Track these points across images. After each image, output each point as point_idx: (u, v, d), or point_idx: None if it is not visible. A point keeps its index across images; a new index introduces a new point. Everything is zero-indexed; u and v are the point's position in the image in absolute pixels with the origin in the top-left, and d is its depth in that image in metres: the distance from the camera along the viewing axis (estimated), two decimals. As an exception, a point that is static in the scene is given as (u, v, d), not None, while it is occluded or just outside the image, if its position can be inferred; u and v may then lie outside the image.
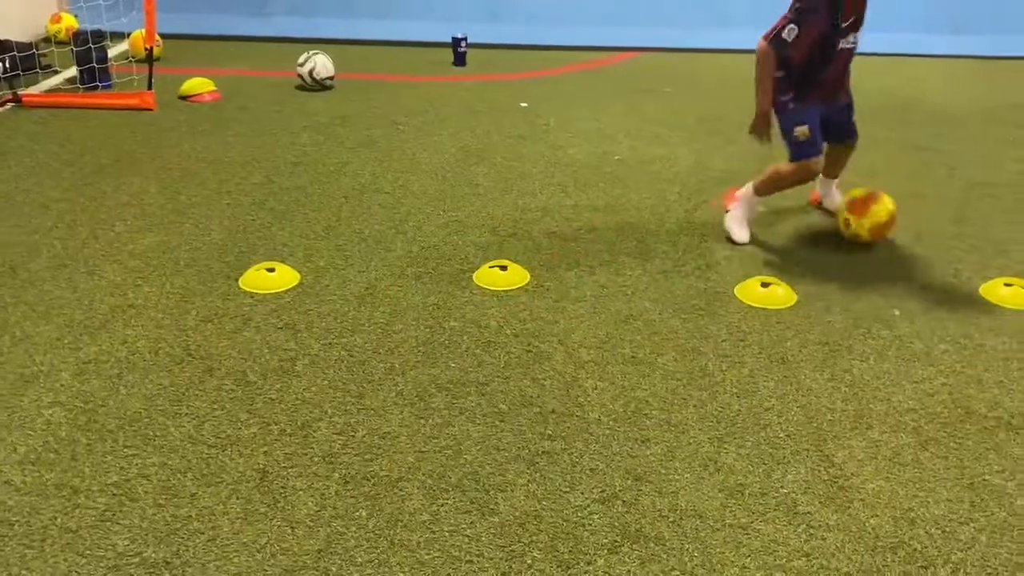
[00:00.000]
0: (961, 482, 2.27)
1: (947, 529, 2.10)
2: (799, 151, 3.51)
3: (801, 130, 3.46)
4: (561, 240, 3.71)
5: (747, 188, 3.70)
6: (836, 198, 3.89)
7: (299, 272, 3.35)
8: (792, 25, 3.32)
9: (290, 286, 3.25)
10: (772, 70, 3.43)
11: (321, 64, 6.05)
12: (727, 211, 3.76)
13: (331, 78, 6.10)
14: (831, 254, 3.60)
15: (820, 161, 3.56)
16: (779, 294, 3.21)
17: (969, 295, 3.26)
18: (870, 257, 3.56)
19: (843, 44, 3.44)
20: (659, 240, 3.71)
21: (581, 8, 7.56)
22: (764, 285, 3.23)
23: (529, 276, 3.35)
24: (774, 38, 3.36)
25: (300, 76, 6.04)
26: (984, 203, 4.12)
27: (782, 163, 3.60)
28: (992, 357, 2.84)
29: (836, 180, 3.94)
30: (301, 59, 6.04)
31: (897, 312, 3.12)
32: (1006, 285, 3.24)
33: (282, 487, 2.22)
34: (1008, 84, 6.41)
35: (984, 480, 2.28)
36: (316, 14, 7.61)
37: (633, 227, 3.83)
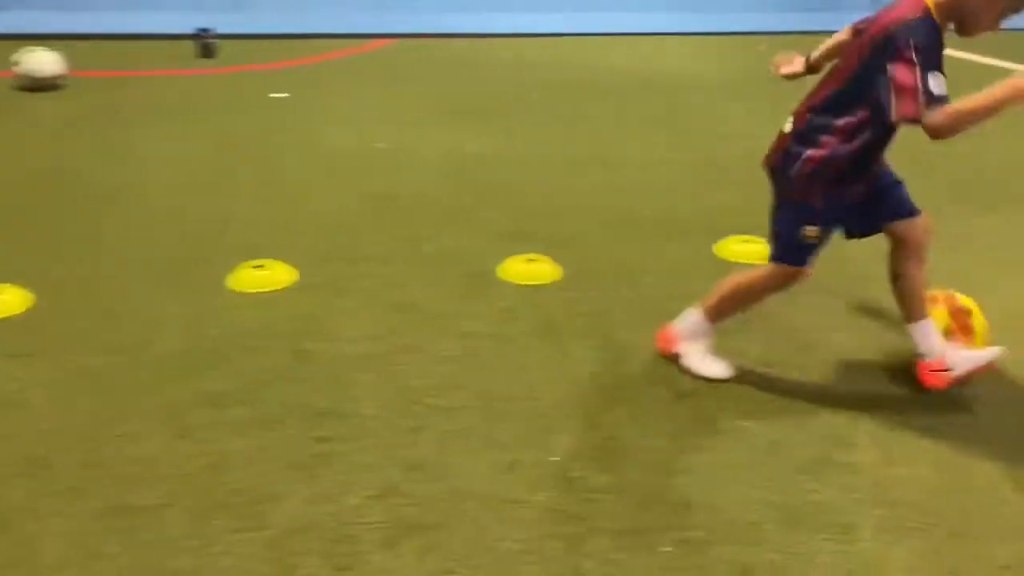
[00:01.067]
0: (714, 429, 2.44)
1: (704, 476, 2.25)
2: (798, 254, 2.53)
3: (812, 230, 2.49)
4: (328, 233, 3.60)
5: (694, 318, 2.70)
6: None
7: (32, 293, 3.01)
8: (933, 71, 2.20)
9: (20, 310, 2.91)
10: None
11: (42, 62, 5.48)
12: (675, 355, 2.74)
13: (59, 76, 5.55)
14: (599, 232, 3.75)
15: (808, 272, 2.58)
16: (545, 269, 3.30)
17: (708, 255, 3.52)
18: (630, 232, 3.74)
19: None
20: (425, 226, 3.70)
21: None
22: (530, 261, 3.31)
23: (297, 274, 3.23)
24: (933, 100, 2.17)
25: (19, 76, 5.44)
26: (718, 170, 4.46)
27: (739, 273, 2.67)
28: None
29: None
30: (15, 58, 5.45)
31: (650, 278, 3.30)
32: (743, 242, 3.52)
33: (22, 533, 1.98)
34: (721, 56, 6.99)
35: (734, 424, 2.47)
36: (37, 6, 6.90)
37: (400, 215, 3.80)
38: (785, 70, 2.85)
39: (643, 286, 3.24)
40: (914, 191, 2.60)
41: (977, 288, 2.92)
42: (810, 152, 2.42)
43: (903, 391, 2.64)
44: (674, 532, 2.06)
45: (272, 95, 5.50)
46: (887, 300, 2.75)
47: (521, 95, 5.66)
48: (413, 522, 2.06)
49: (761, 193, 4.05)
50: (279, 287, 3.14)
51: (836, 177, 2.42)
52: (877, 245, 2.68)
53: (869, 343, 2.90)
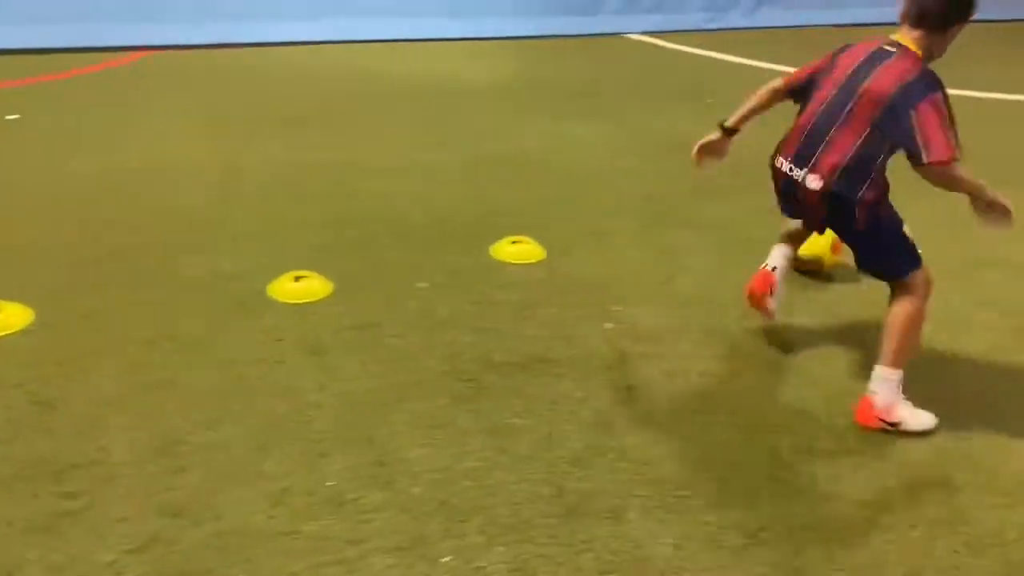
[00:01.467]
0: (489, 430, 2.47)
1: (480, 479, 2.27)
2: (916, 254, 2.59)
3: (906, 227, 2.60)
4: (70, 266, 3.30)
5: (888, 376, 2.53)
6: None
7: None
8: (952, 128, 2.41)
9: None
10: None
11: None
12: (893, 425, 2.54)
13: None
14: (372, 242, 3.68)
15: None
16: (314, 286, 3.20)
17: (486, 257, 3.56)
18: (402, 241, 3.71)
19: None
20: (185, 248, 3.48)
21: (65, 4, 6.77)
22: (297, 279, 3.20)
23: (33, 315, 2.93)
24: (958, 148, 2.39)
25: None
26: (493, 171, 4.53)
27: (903, 301, 2.56)
28: (506, 309, 3.14)
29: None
30: None
31: (424, 284, 3.29)
32: (513, 243, 3.60)
33: None
34: (499, 61, 7.15)
35: (507, 423, 2.50)
36: None
37: (153, 239, 3.55)
38: (702, 157, 3.04)
39: (418, 294, 3.22)
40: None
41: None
42: (860, 195, 2.51)
43: (658, 374, 2.79)
44: (452, 540, 2.06)
45: (6, 117, 4.99)
46: (640, 301, 2.90)
47: (289, 105, 5.48)
48: (178, 572, 1.92)
49: (532, 193, 4.21)
50: (12, 330, 2.83)
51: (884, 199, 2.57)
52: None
53: (624, 334, 3.04)
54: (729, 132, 2.97)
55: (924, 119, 2.38)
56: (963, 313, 3.25)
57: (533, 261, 3.52)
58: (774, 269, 2.96)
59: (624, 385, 2.71)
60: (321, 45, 7.04)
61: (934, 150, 2.37)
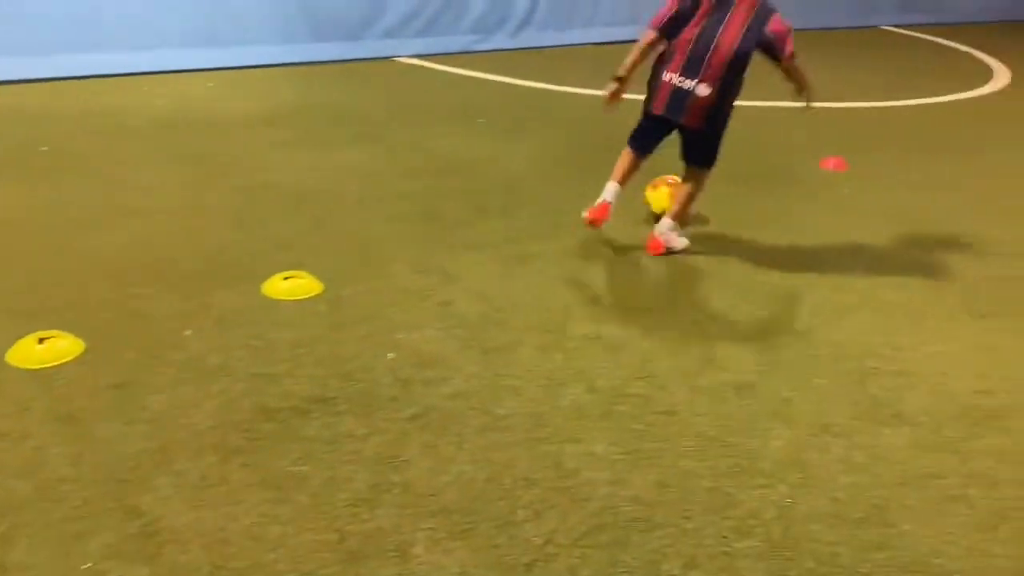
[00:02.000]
0: (266, 482, 2.34)
1: (257, 535, 2.15)
2: None
3: None
4: None
5: (671, 225, 3.96)
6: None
7: None
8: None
9: None
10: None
11: None
12: (668, 250, 3.96)
13: None
14: (128, 291, 3.40)
15: None
16: (62, 347, 2.91)
17: (256, 296, 3.40)
18: (164, 286, 3.46)
19: None
20: (-97, 320, 3.06)
21: None
22: (41, 341, 2.90)
23: None
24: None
25: None
26: (257, 204, 4.35)
27: (696, 182, 3.94)
28: (281, 350, 3.00)
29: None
30: None
31: (189, 332, 3.09)
32: (285, 279, 3.47)
33: None
34: (260, 90, 6.92)
35: (286, 472, 2.39)
36: None
37: None
38: (613, 100, 3.77)
39: (183, 343, 3.02)
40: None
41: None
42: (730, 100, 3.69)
43: (442, 399, 2.78)
44: (229, 607, 1.92)
45: None
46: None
47: (29, 147, 5.00)
48: None
49: (304, 225, 4.08)
50: None
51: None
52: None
53: (407, 362, 3.01)
54: (621, 79, 3.75)
55: (779, 31, 3.55)
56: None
57: (309, 296, 3.40)
58: (610, 202, 3.92)
59: (408, 415, 2.68)
60: (60, 82, 6.48)
61: (787, 51, 3.57)
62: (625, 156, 3.97)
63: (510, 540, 2.18)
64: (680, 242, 3.99)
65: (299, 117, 6.05)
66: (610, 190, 3.93)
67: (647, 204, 4.37)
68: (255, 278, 3.51)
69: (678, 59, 3.61)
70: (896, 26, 12.12)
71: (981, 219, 4.68)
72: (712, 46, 3.53)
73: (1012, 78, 8.84)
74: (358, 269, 3.66)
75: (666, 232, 3.95)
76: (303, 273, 3.54)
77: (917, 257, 4.14)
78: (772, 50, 3.58)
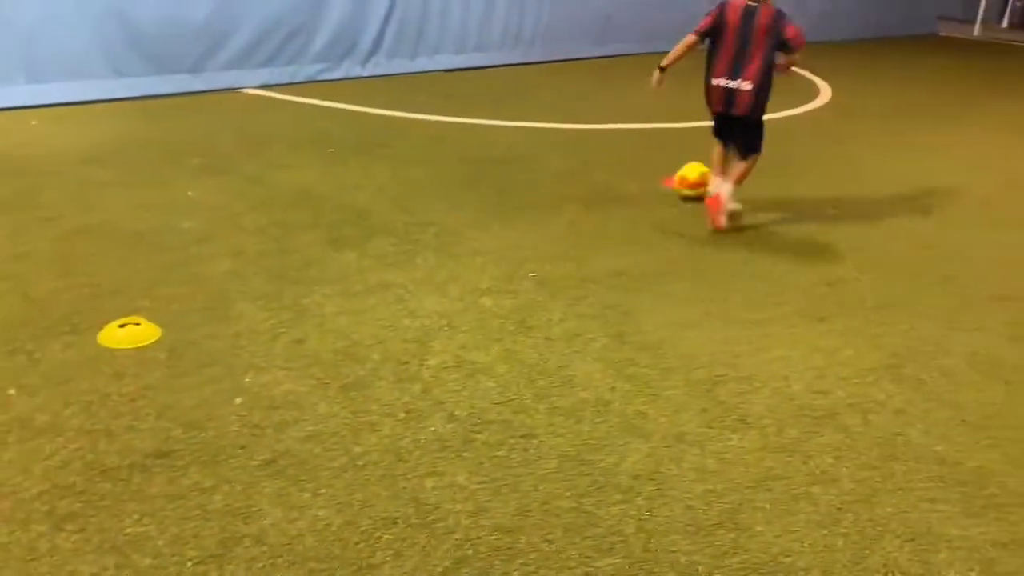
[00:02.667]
0: (104, 547, 2.18)
1: (93, 608, 1.98)
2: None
3: None
4: None
5: (733, 189, 4.84)
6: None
7: None
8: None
9: None
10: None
11: None
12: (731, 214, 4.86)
13: None
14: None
15: None
16: None
17: (89, 347, 3.18)
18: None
19: None
20: None
21: None
22: None
23: None
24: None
25: None
26: (86, 248, 4.08)
27: (750, 161, 4.87)
28: (119, 404, 2.82)
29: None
30: None
31: (12, 391, 2.85)
32: (121, 326, 3.26)
33: None
34: (90, 127, 6.55)
35: (126, 534, 2.23)
36: None
37: None
38: (659, 86, 4.91)
39: (7, 403, 2.78)
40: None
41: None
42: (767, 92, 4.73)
43: (296, 440, 2.68)
44: None
45: None
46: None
47: None
48: None
49: (140, 267, 3.85)
50: None
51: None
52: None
53: (256, 405, 2.89)
54: (663, 69, 4.91)
55: (793, 38, 4.59)
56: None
57: (147, 343, 3.21)
58: (720, 193, 4.81)
59: (259, 462, 2.56)
60: None
61: (797, 43, 4.62)
62: (715, 148, 5.02)
63: (367, 585, 2.11)
64: (736, 205, 4.91)
65: (134, 154, 5.75)
66: (716, 183, 4.93)
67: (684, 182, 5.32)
68: (87, 328, 3.29)
69: (722, 66, 4.69)
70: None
71: (811, 228, 4.98)
72: (747, 52, 4.61)
73: (832, 94, 9.52)
74: (200, 311, 3.49)
75: (728, 193, 4.82)
76: (139, 319, 3.34)
77: (758, 265, 4.35)
78: (788, 50, 4.65)
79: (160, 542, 2.21)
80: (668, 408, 2.98)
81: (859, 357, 3.44)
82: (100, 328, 3.26)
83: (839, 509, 2.51)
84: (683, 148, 6.77)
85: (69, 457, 2.53)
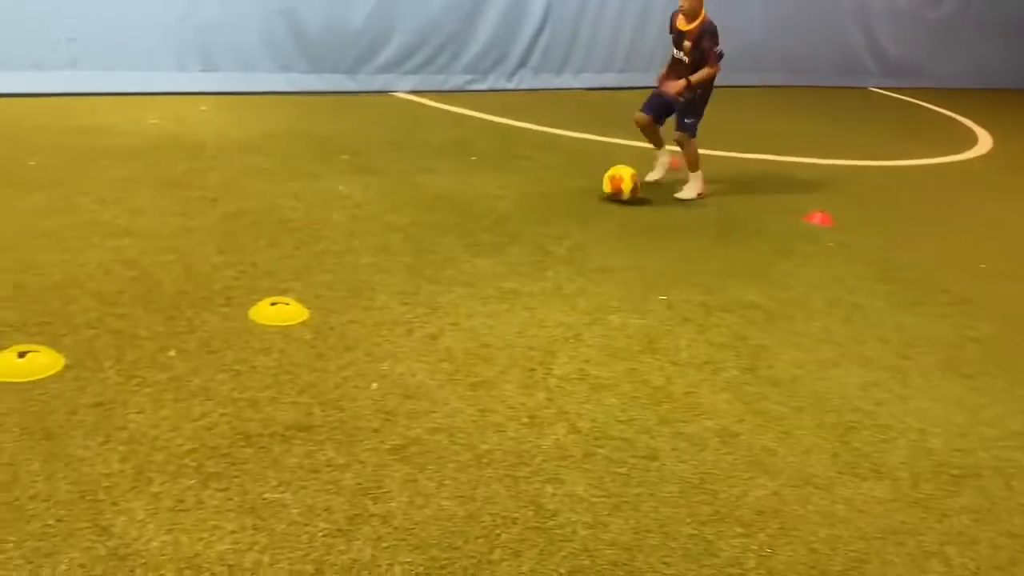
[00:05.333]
0: (243, 508, 2.31)
1: (232, 563, 2.11)
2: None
3: None
4: None
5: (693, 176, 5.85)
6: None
7: None
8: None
9: None
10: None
11: None
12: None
13: None
14: (111, 311, 3.37)
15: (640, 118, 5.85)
16: (42, 361, 2.87)
17: (241, 320, 3.39)
18: (149, 306, 3.43)
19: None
20: None
21: None
22: (21, 355, 2.86)
23: None
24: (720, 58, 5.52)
25: None
26: (244, 230, 4.34)
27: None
28: (264, 376, 2.98)
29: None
30: None
31: (173, 353, 3.07)
32: (272, 304, 3.45)
33: None
34: (253, 117, 6.95)
35: (264, 499, 2.36)
36: None
37: None
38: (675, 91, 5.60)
39: (166, 364, 2.99)
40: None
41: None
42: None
43: (426, 432, 2.76)
44: (200, 636, 1.88)
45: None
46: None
47: (15, 162, 4.98)
48: None
49: (293, 252, 4.08)
50: None
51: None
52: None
53: (391, 393, 3.00)
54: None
55: (707, 49, 5.43)
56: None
57: (295, 323, 3.39)
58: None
59: (390, 447, 2.66)
60: (56, 98, 6.50)
61: (713, 62, 5.48)
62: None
63: (486, 578, 2.16)
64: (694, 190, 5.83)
65: (291, 145, 6.08)
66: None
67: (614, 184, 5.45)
68: (240, 303, 3.50)
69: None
70: (882, 88, 12.40)
71: (963, 279, 4.75)
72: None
73: (994, 144, 9.05)
74: (344, 298, 3.66)
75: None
76: (289, 300, 3.53)
77: (901, 313, 4.18)
78: (706, 59, 5.43)
79: (294, 510, 2.32)
80: (797, 448, 2.91)
81: (1005, 418, 3.26)
82: (252, 304, 3.47)
83: (975, 573, 2.38)
84: (825, 185, 6.59)
85: (217, 420, 2.70)
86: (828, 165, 7.31)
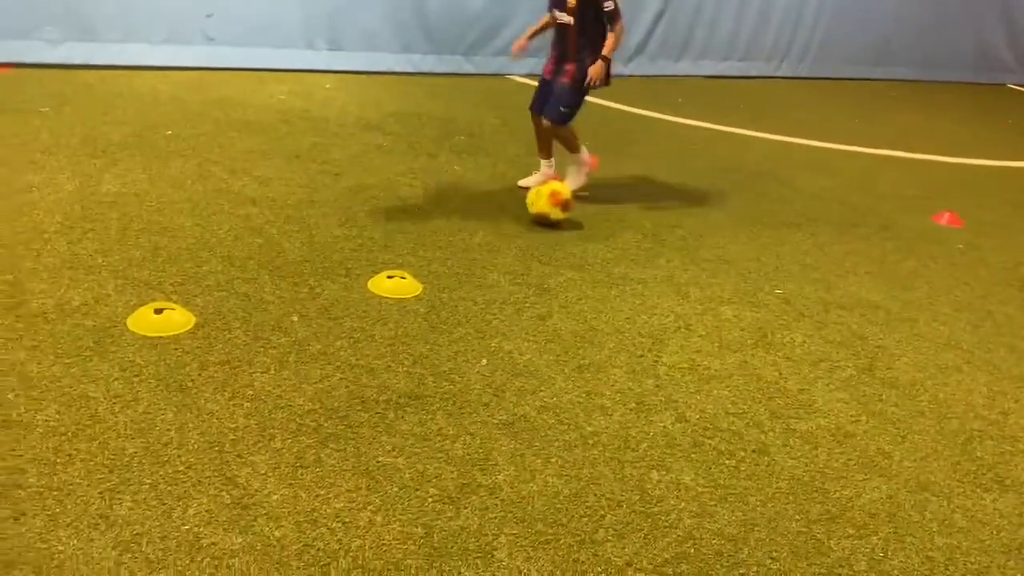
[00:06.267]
0: (359, 470, 2.40)
1: (347, 520, 2.20)
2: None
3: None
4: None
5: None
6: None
7: None
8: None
9: None
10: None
11: None
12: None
13: None
14: (239, 275, 3.54)
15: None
16: (176, 319, 3.05)
17: (360, 291, 3.50)
18: (274, 273, 3.59)
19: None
20: (36, 278, 3.25)
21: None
22: (158, 311, 3.04)
23: None
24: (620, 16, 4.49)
25: None
26: (364, 204, 4.47)
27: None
28: (380, 345, 3.08)
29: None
30: None
31: (296, 318, 3.19)
32: (388, 277, 3.55)
33: None
34: (375, 96, 7.12)
35: (378, 462, 2.44)
36: None
37: (2, 267, 3.30)
38: (521, 53, 4.89)
39: (289, 328, 3.12)
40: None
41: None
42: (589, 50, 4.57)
43: (533, 410, 2.79)
44: (316, 586, 1.97)
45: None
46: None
47: (156, 131, 5.27)
48: (6, 629, 1.76)
49: (410, 227, 4.18)
50: None
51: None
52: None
53: (500, 369, 3.04)
54: (525, 37, 4.87)
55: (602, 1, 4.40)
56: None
57: (410, 296, 3.48)
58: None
59: (498, 421, 2.70)
60: (192, 72, 6.83)
61: (616, 21, 4.46)
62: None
63: (592, 557, 2.18)
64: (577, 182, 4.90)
65: (410, 124, 6.20)
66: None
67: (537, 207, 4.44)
68: (359, 274, 3.62)
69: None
70: (1022, 85, 11.67)
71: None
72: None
73: None
74: (457, 275, 3.73)
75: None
76: (405, 273, 3.62)
77: (1032, 322, 3.96)
78: (603, 19, 4.46)
79: (407, 475, 2.40)
80: (915, 453, 2.80)
81: None
82: (370, 276, 3.57)
83: (1107, 599, 2.25)
84: (955, 184, 6.27)
85: (335, 384, 2.80)
86: (959, 164, 6.95)
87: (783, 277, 4.13)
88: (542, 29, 4.84)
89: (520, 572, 2.09)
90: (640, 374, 3.11)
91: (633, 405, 2.90)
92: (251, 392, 2.70)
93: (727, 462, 2.65)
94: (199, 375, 2.76)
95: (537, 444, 2.61)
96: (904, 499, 2.56)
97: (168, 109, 5.81)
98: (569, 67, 4.62)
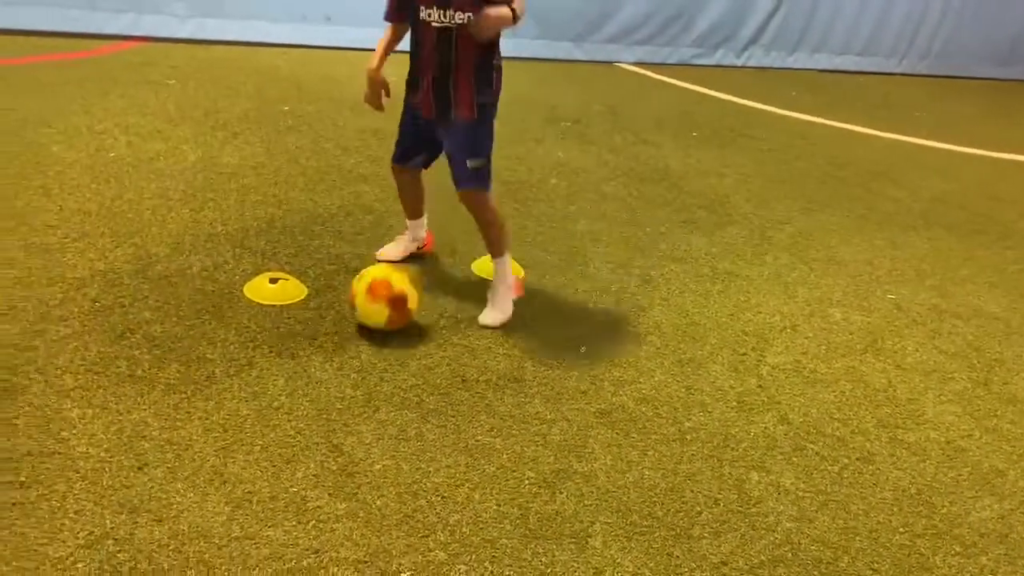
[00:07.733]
0: (458, 447, 2.45)
1: (446, 494, 2.25)
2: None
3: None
4: (43, 253, 3.23)
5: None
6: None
7: None
8: None
9: None
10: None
11: None
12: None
13: None
14: (349, 249, 3.65)
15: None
16: (290, 289, 3.16)
17: (464, 271, 3.55)
18: (372, 246, 3.68)
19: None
20: (161, 243, 3.43)
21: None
22: (273, 281, 3.16)
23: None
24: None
25: None
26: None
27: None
28: (481, 328, 3.11)
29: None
30: None
31: (401, 295, 3.26)
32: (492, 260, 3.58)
33: None
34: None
35: (477, 440, 2.48)
36: None
37: (131, 231, 3.49)
38: (383, 101, 3.24)
39: (393, 304, 3.19)
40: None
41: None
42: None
43: (631, 401, 2.79)
44: (414, 555, 2.03)
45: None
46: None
47: (274, 106, 5.45)
48: (129, 570, 1.87)
49: (513, 213, 4.20)
50: (-22, 313, 2.76)
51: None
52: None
53: (599, 359, 3.04)
54: (377, 70, 3.22)
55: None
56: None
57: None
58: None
59: (596, 410, 2.71)
60: (310, 50, 7.03)
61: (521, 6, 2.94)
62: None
63: (686, 553, 2.16)
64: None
65: (517, 110, 6.22)
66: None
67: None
68: (463, 255, 3.67)
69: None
70: None
71: None
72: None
73: None
74: (559, 262, 3.74)
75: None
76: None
77: None
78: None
79: (504, 456, 2.43)
80: (1033, 473, 2.67)
81: None
82: (475, 258, 3.62)
83: None
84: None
85: (438, 362, 2.86)
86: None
87: (896, 281, 3.98)
88: (392, 46, 3.28)
89: (614, 561, 2.09)
90: (743, 373, 3.06)
91: (734, 403, 2.86)
92: (357, 364, 2.78)
93: (830, 468, 2.58)
94: (310, 344, 2.86)
95: (634, 435, 2.61)
96: (1017, 520, 2.45)
97: (286, 86, 5.99)
98: (463, 92, 3.11)
